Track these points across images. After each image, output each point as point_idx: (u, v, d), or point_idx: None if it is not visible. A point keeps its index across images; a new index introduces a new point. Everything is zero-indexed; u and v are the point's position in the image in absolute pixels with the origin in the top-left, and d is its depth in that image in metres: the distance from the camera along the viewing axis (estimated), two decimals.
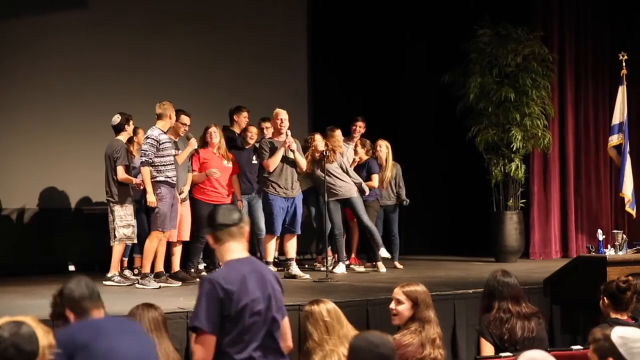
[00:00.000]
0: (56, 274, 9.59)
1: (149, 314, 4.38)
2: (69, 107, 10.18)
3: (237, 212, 3.90)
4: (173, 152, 8.36)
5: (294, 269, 8.99)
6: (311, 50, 12.28)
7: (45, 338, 2.74)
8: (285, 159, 8.96)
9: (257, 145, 9.33)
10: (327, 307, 4.58)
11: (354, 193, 9.50)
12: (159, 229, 8.19)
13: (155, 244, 8.19)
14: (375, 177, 9.96)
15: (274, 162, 8.88)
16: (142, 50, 10.66)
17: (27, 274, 9.42)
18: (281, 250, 9.40)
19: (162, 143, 8.19)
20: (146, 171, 8.16)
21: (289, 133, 8.97)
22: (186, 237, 8.92)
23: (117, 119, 8.53)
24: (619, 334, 3.53)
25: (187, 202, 8.94)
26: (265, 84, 11.44)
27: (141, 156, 8.23)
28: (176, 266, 8.77)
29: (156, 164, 8.17)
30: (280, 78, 11.68)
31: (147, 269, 8.24)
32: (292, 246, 9.10)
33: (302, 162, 9.04)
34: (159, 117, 8.31)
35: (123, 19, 10.59)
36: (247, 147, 9.44)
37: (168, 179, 8.20)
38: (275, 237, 9.09)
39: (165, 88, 10.46)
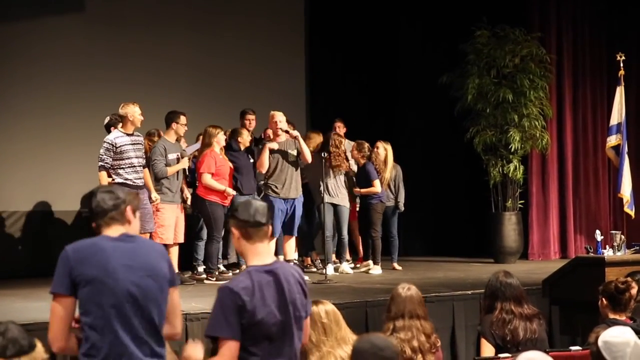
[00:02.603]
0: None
1: None
2: (67, 110, 10.15)
3: (268, 210, 3.69)
4: (134, 154, 8.16)
5: None
6: (309, 52, 12.29)
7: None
8: (286, 160, 8.94)
9: (255, 148, 9.36)
10: (325, 309, 4.54)
11: (344, 203, 9.53)
12: None
13: None
14: (377, 183, 9.65)
15: (262, 163, 8.87)
16: (140, 53, 10.66)
17: (25, 277, 9.40)
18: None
19: (120, 146, 8.09)
20: (102, 175, 8.10)
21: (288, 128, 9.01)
22: (181, 239, 8.87)
23: (107, 119, 8.58)
24: (604, 339, 3.57)
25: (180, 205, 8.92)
26: (263, 85, 11.44)
27: (98, 161, 8.17)
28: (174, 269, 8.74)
29: (114, 167, 8.11)
30: (278, 80, 11.68)
31: None
32: (290, 248, 9.08)
33: (307, 154, 9.01)
34: (121, 119, 8.23)
35: (122, 23, 10.58)
36: (242, 149, 9.39)
37: (127, 182, 8.06)
38: (275, 239, 9.06)
39: (164, 90, 10.48)
